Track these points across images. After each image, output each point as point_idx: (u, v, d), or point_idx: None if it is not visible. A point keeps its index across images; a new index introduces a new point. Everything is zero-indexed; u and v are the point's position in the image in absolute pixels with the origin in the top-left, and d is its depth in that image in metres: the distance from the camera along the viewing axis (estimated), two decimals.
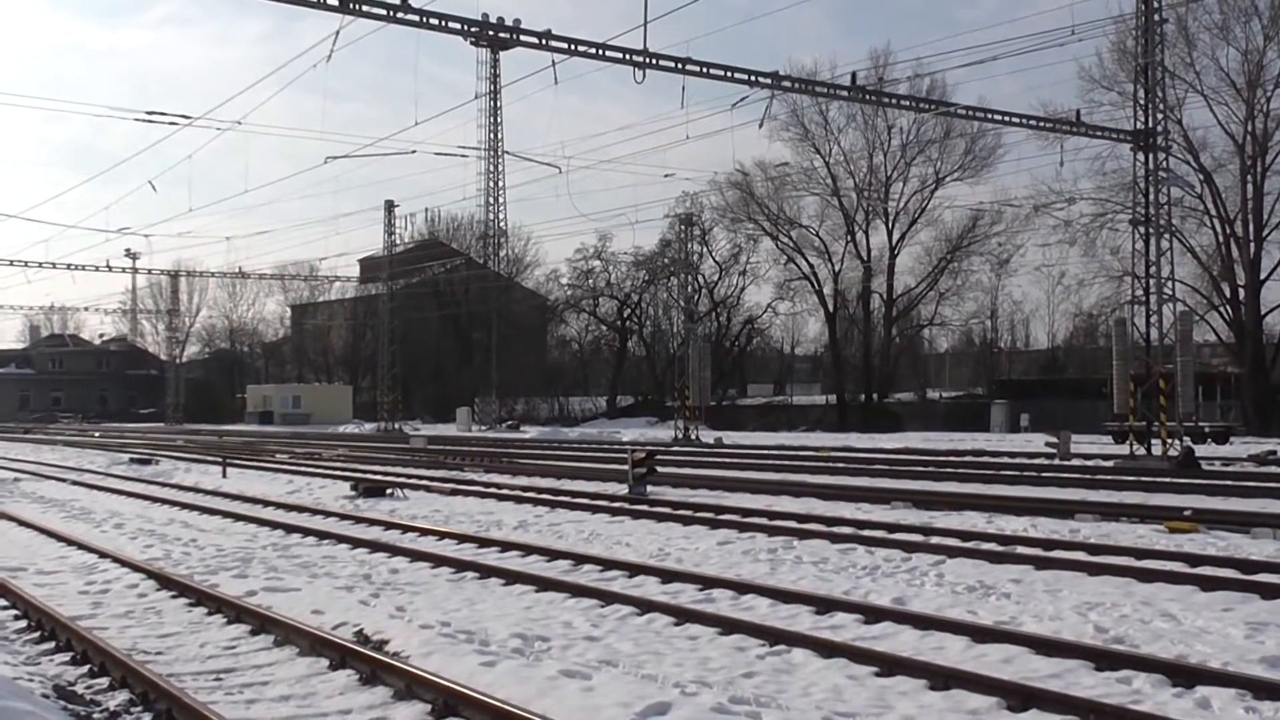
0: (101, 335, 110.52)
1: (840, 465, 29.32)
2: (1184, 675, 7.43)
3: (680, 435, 48.61)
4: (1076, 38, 30.20)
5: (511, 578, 11.76)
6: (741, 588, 10.90)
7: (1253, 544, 13.82)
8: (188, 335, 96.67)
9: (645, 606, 10.01)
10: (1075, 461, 30.02)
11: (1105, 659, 7.90)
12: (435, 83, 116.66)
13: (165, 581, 11.60)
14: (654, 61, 28.00)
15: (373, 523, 17.25)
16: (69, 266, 67.20)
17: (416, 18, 26.54)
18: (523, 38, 28.45)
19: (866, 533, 14.93)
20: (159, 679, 7.38)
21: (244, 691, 7.62)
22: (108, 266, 71.00)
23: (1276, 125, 52.77)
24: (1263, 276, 53.43)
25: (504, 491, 22.10)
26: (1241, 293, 53.74)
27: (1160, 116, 31.89)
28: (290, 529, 16.49)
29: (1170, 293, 31.69)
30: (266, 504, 20.46)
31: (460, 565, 12.66)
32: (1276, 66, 52.26)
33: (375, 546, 14.41)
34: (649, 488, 21.02)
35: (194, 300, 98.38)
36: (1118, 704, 6.77)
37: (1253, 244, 53.23)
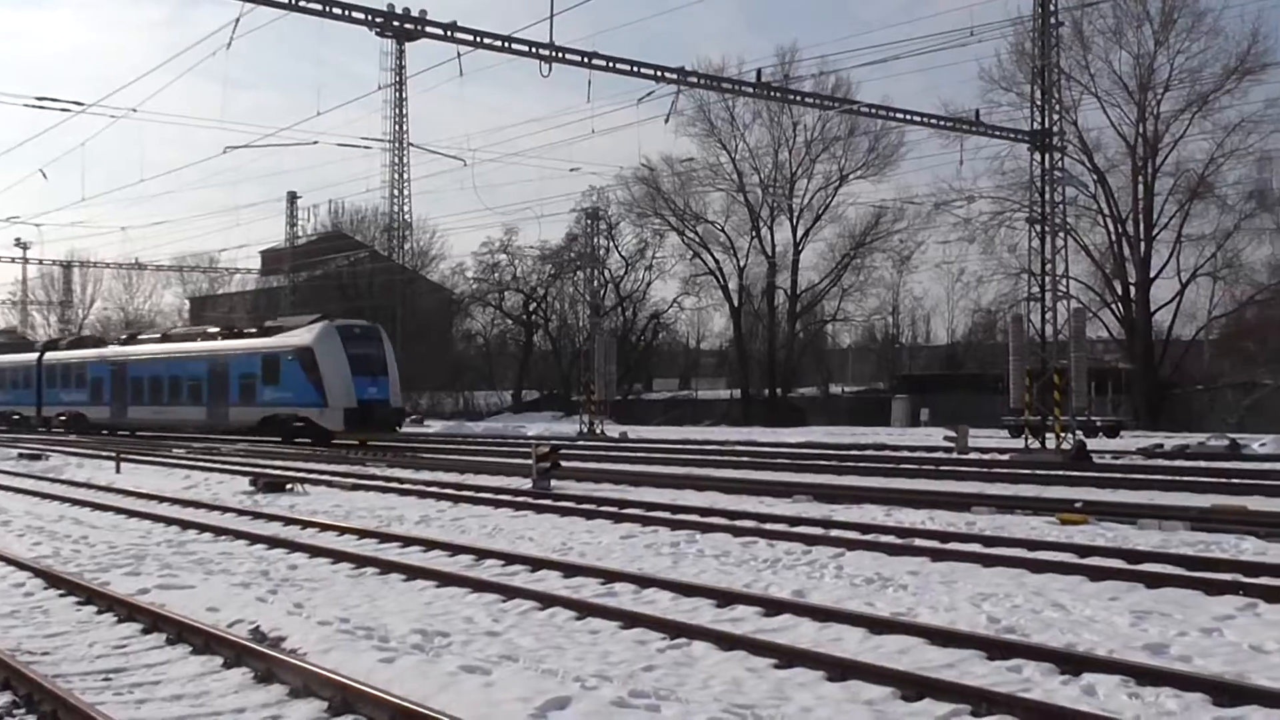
0: None
1: (744, 459, 29.57)
2: (1072, 663, 7.61)
3: (585, 430, 48.64)
4: (976, 39, 30.81)
5: (412, 573, 11.67)
6: (644, 581, 10.93)
7: (1139, 534, 14.21)
8: (81, 327, 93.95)
9: (547, 601, 10.00)
10: (973, 455, 30.65)
11: (997, 648, 8.06)
12: (339, 72, 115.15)
13: (53, 580, 11.29)
14: (560, 55, 27.99)
15: (272, 518, 16.98)
16: None
17: (319, 6, 26.22)
18: (428, 29, 28.24)
19: (768, 526, 15.06)
20: (44, 680, 7.19)
21: (134, 691, 7.44)
22: None
23: (1166, 127, 54.47)
24: (1152, 275, 55.12)
25: (406, 486, 21.91)
26: (1132, 290, 55.34)
27: (1056, 117, 32.69)
28: (186, 525, 16.16)
29: (1065, 290, 32.52)
30: (162, 500, 20.01)
31: (360, 561, 12.52)
32: (1166, 70, 53.97)
33: (274, 542, 14.19)
34: (553, 482, 21.00)
35: (88, 291, 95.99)
36: (1008, 692, 6.91)
37: (1143, 243, 54.86)
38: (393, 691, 6.76)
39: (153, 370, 47.98)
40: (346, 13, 26.87)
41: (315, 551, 13.31)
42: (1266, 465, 26.30)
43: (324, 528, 15.79)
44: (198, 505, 19.13)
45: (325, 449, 36.02)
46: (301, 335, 40.44)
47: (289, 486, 21.85)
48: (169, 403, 46.88)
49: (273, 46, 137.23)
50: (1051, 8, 32.09)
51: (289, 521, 16.54)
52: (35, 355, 57.82)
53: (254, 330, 45.42)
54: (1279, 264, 54.33)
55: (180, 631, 8.79)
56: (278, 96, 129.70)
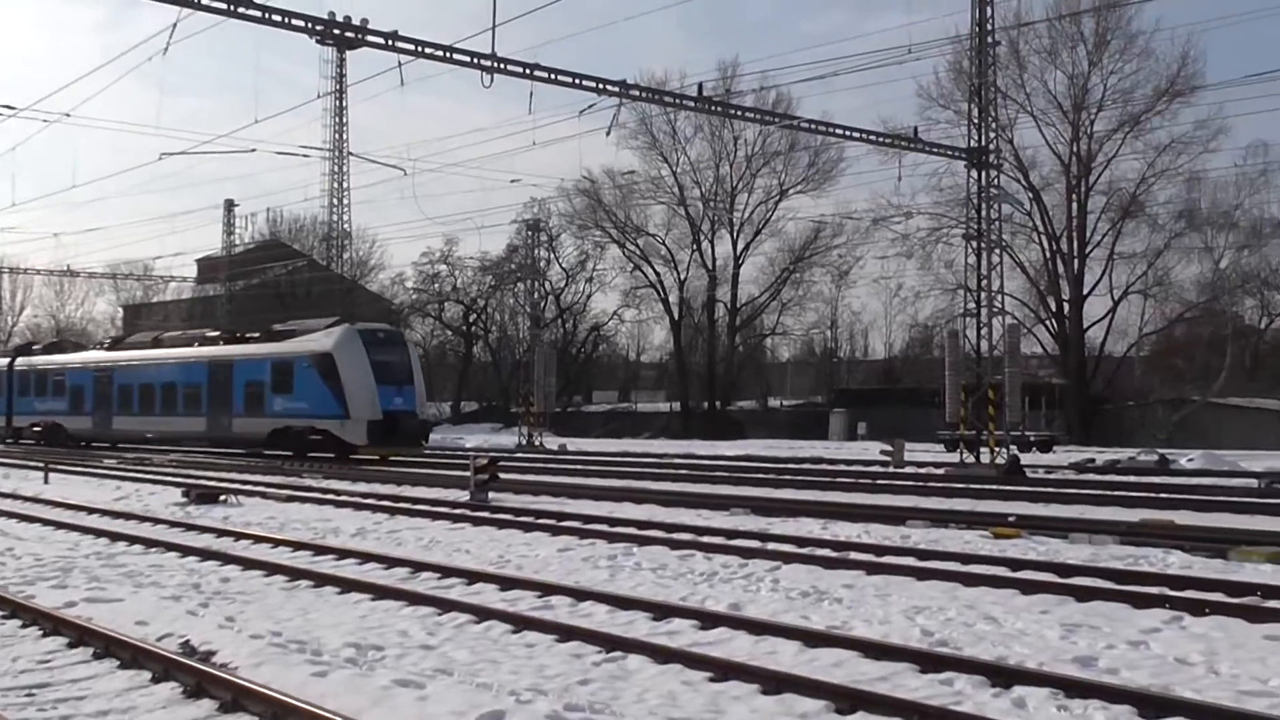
0: None
1: (682, 472, 29.61)
2: (1003, 676, 7.70)
3: (524, 442, 48.46)
4: (914, 56, 31.25)
5: (347, 586, 11.56)
6: (580, 594, 10.92)
7: (1070, 548, 14.41)
8: (10, 335, 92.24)
9: (483, 614, 9.95)
10: (909, 469, 30.91)
11: (930, 661, 8.14)
12: (277, 79, 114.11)
13: None
14: (502, 66, 27.93)
15: (204, 530, 16.76)
16: None
17: (258, 13, 25.95)
18: (369, 38, 28.06)
19: (705, 539, 15.09)
20: None
21: (58, 707, 7.29)
22: None
23: (1099, 147, 55.50)
24: (1085, 292, 56.07)
25: (342, 498, 21.73)
26: (1066, 307, 56.24)
27: (993, 135, 33.18)
28: (116, 537, 15.88)
29: (1000, 306, 32.96)
30: (91, 511, 19.66)
31: (294, 573, 12.38)
32: (1099, 91, 55.05)
33: (206, 555, 14.00)
34: (491, 494, 20.91)
35: (18, 299, 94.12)
36: (940, 705, 6.99)
37: (1076, 260, 55.82)
38: (325, 706, 6.69)
39: (143, 377, 43.54)
40: (286, 20, 26.62)
41: (248, 564, 13.15)
42: (1194, 480, 26.78)
43: (257, 540, 15.60)
44: (128, 517, 18.82)
45: (260, 460, 35.60)
46: (319, 340, 36.57)
47: (222, 498, 21.58)
48: (162, 412, 42.49)
49: (210, 52, 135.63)
50: (988, 27, 32.58)
51: (222, 533, 16.32)
52: (6, 360, 53.47)
53: (258, 334, 41.56)
54: (1207, 283, 55.48)
55: (108, 645, 8.64)
56: (215, 103, 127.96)
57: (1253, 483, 24.95)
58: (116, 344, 48.96)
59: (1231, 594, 10.74)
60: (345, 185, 60.76)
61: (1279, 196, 54.23)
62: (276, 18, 26.31)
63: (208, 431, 40.52)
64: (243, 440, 38.89)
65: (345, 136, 59.47)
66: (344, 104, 58.60)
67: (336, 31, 28.19)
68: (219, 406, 39.74)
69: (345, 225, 62.63)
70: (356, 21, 28.11)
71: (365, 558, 13.69)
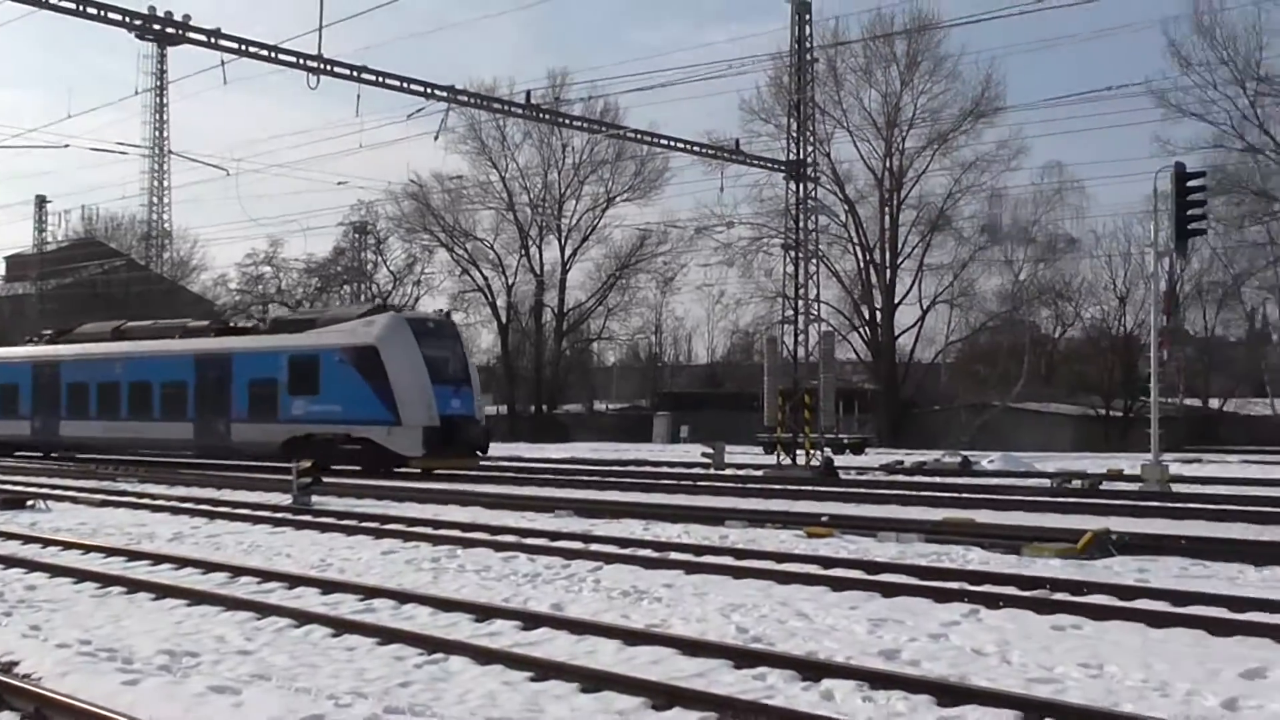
0: None
1: (508, 475, 29.62)
2: (812, 670, 8.01)
3: None
4: (735, 71, 32.11)
5: (162, 592, 11.30)
6: (403, 597, 10.92)
7: (879, 546, 14.98)
8: None
9: (303, 618, 9.87)
10: (729, 471, 31.56)
11: (744, 657, 8.40)
12: (94, 73, 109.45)
13: None
14: (329, 67, 27.55)
15: (9, 537, 16.07)
16: None
17: (73, 5, 24.97)
18: (190, 34, 27.27)
19: (530, 541, 15.20)
20: None
21: None
22: None
23: (910, 163, 57.76)
24: (896, 301, 58.18)
25: (159, 502, 21.13)
26: (878, 315, 58.23)
27: (811, 149, 34.21)
28: None
29: (816, 314, 34.05)
30: None
31: (106, 580, 12.04)
32: (911, 109, 57.28)
33: (10, 562, 13.44)
34: (314, 498, 20.63)
35: None
36: (752, 699, 7.24)
37: (889, 271, 57.89)
38: (135, 715, 6.59)
39: (105, 374, 36.75)
40: (103, 13, 25.65)
41: (56, 571, 12.71)
42: (993, 480, 28.05)
43: (67, 545, 15.08)
44: None
45: (73, 464, 34.07)
46: (357, 330, 30.71)
47: (30, 503, 20.70)
48: (131, 416, 35.87)
49: (21, 43, 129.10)
50: (807, 45, 33.57)
51: (28, 540, 15.71)
52: None
53: (254, 326, 36.48)
54: (1008, 294, 58.19)
55: None
56: (25, 95, 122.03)
57: (1045, 482, 26.27)
58: (61, 335, 42.13)
59: (1023, 588, 11.37)
60: (165, 184, 59.17)
61: (1072, 214, 57.37)
62: (92, 10, 25.34)
63: (196, 439, 34.53)
64: (246, 449, 33.15)
65: (166, 134, 57.91)
66: (164, 101, 57.01)
67: (157, 27, 27.30)
68: (211, 409, 33.46)
69: (165, 225, 60.86)
70: (178, 17, 27.27)
71: (182, 563, 13.39)
